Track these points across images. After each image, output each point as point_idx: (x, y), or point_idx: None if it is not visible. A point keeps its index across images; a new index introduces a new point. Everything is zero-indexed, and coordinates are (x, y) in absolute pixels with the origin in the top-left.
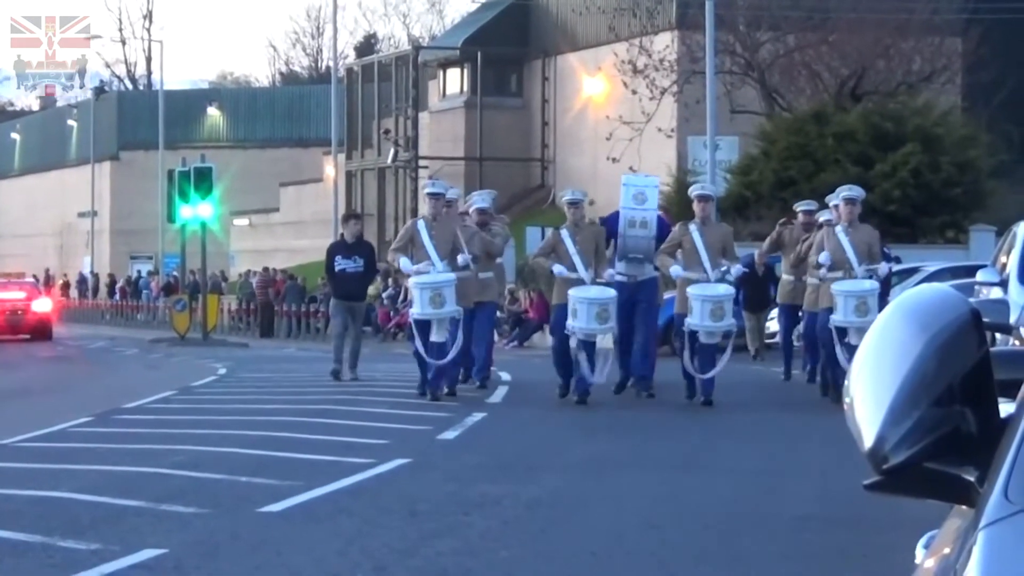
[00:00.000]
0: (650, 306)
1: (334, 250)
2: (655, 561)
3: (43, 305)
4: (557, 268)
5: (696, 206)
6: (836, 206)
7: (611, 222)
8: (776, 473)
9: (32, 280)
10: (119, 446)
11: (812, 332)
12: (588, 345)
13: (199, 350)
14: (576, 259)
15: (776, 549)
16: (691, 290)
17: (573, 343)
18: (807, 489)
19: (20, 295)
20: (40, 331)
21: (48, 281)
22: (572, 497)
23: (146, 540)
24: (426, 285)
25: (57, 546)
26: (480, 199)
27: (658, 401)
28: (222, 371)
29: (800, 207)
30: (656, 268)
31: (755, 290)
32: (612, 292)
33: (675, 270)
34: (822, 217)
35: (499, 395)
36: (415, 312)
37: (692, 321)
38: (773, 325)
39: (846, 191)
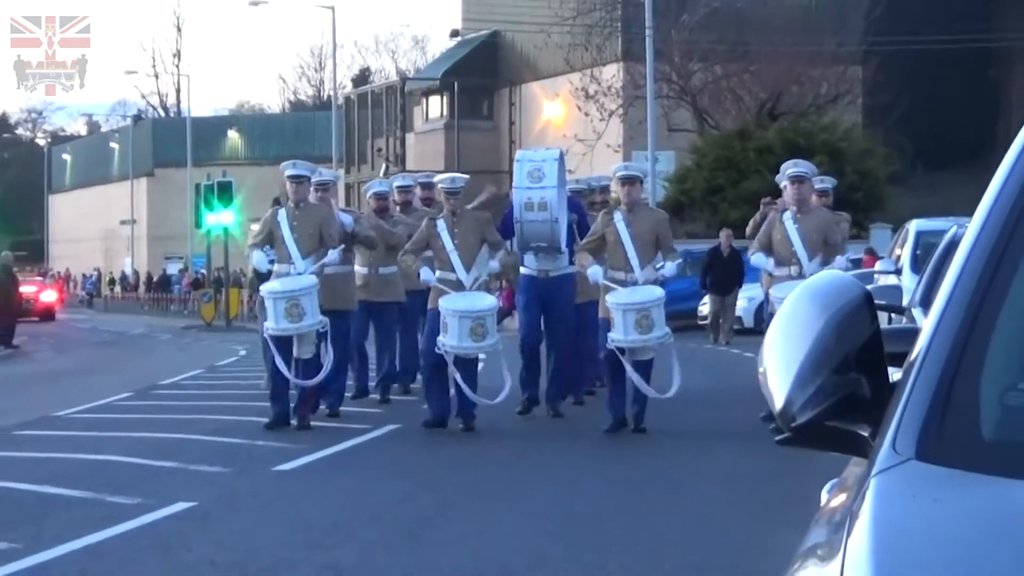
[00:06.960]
0: (565, 309)
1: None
2: (599, 508)
3: (49, 296)
4: (425, 275)
5: (620, 190)
6: (785, 187)
7: (508, 210)
8: (708, 435)
9: (40, 277)
10: (155, 416)
11: None
12: (467, 363)
13: (223, 335)
14: (453, 256)
15: (709, 498)
16: (610, 299)
17: (450, 360)
18: (735, 448)
19: (32, 288)
20: (46, 315)
21: (60, 277)
22: (534, 458)
23: (179, 495)
24: (279, 295)
25: (105, 501)
26: (378, 183)
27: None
28: (242, 352)
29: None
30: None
31: (722, 272)
32: (491, 300)
33: (593, 271)
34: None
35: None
36: (270, 327)
37: (616, 336)
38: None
39: (791, 167)
